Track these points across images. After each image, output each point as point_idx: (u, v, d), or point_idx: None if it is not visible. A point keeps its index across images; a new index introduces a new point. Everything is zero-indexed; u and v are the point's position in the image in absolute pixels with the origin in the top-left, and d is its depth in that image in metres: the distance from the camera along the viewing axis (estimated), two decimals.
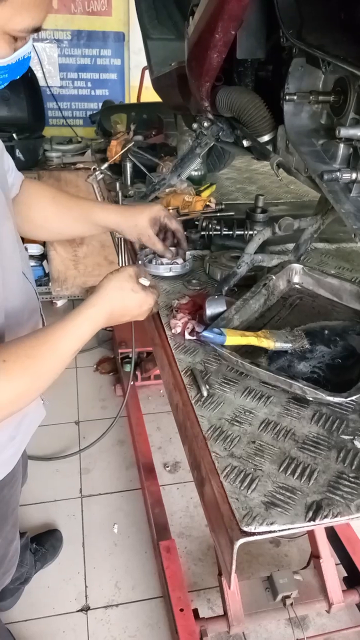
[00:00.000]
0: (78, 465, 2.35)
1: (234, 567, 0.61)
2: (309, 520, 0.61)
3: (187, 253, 1.28)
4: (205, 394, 0.82)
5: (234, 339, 0.85)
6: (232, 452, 0.71)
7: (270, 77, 1.19)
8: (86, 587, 1.84)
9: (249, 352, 0.91)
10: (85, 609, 1.77)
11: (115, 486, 2.25)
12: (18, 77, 0.79)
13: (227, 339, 0.84)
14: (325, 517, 0.61)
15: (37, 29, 0.73)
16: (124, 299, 0.83)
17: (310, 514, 0.62)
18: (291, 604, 1.59)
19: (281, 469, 0.68)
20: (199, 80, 1.08)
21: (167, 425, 2.59)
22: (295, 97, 0.97)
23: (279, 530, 0.60)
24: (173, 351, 0.95)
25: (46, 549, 1.87)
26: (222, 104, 1.13)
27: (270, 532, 0.60)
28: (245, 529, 0.59)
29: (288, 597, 1.58)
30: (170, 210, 1.50)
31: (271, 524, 0.60)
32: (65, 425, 2.59)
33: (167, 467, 2.34)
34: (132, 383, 2.49)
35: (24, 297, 0.95)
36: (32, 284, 1.02)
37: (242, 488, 0.65)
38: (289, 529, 0.60)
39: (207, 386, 0.84)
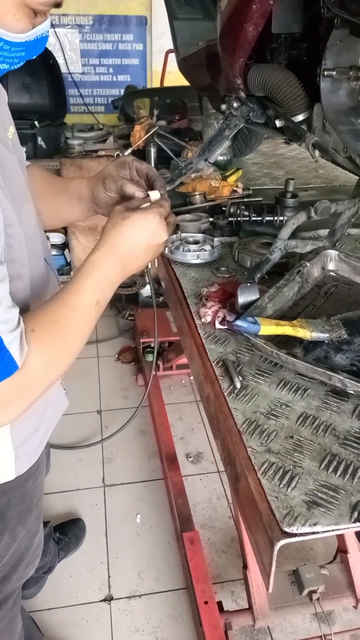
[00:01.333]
0: (100, 454, 2.34)
1: (273, 568, 0.58)
2: (355, 521, 0.57)
3: (215, 239, 1.24)
4: (238, 385, 0.79)
5: (268, 328, 0.81)
6: (269, 448, 0.67)
7: (304, 54, 1.14)
8: (109, 577, 1.83)
9: (283, 342, 0.86)
10: (109, 598, 1.76)
11: (138, 476, 2.24)
12: (34, 56, 0.76)
13: (262, 328, 0.80)
14: None
15: (58, 4, 0.70)
16: (121, 231, 0.77)
17: (356, 514, 0.58)
18: (317, 599, 1.56)
19: (322, 466, 0.64)
20: (233, 55, 1.03)
21: (189, 415, 2.57)
22: (334, 73, 0.91)
23: (323, 532, 0.57)
24: (203, 341, 0.91)
25: (69, 538, 1.87)
26: (254, 82, 1.08)
27: (313, 533, 0.56)
28: (286, 529, 0.56)
29: (314, 591, 1.54)
30: (197, 196, 1.46)
31: (314, 524, 0.57)
32: (88, 414, 2.59)
33: (190, 457, 2.32)
34: (154, 373, 2.47)
35: (46, 285, 0.93)
36: (54, 271, 1.00)
37: (281, 486, 0.61)
38: (333, 530, 0.57)
39: (240, 377, 0.80)
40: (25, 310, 0.81)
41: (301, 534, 0.56)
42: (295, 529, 0.56)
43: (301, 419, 0.72)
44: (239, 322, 0.81)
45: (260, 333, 0.81)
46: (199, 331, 0.94)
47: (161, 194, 0.88)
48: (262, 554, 0.60)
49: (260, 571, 0.61)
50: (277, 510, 0.58)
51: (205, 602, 1.57)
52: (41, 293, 0.90)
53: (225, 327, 0.94)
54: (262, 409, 0.74)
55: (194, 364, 0.94)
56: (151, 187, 0.92)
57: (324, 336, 0.85)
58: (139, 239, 0.78)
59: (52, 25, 3.60)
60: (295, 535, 0.56)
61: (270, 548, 0.57)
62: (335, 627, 1.69)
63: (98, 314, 0.77)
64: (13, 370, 0.66)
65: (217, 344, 0.90)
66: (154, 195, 0.86)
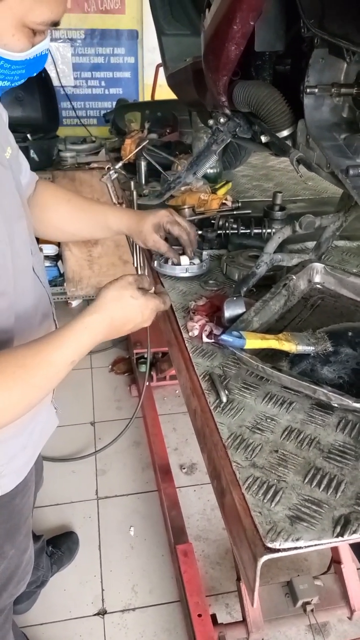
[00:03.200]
0: (94, 466, 2.34)
1: (257, 583, 0.58)
2: (337, 536, 0.58)
3: (204, 253, 1.25)
4: (224, 399, 0.79)
5: (254, 342, 0.82)
6: (254, 462, 0.67)
7: (289, 70, 1.16)
8: (103, 590, 1.82)
9: (269, 356, 0.87)
10: (102, 612, 1.75)
11: (132, 488, 2.23)
12: (35, 74, 0.78)
13: (247, 342, 0.81)
14: (354, 532, 0.58)
15: (56, 23, 0.73)
16: (124, 307, 0.79)
17: (338, 529, 0.58)
18: (312, 610, 1.56)
19: (306, 480, 0.65)
20: (216, 74, 1.05)
21: (183, 426, 2.56)
22: (316, 90, 0.93)
23: (305, 547, 0.57)
24: (190, 354, 0.92)
25: (62, 552, 1.86)
26: (239, 98, 1.09)
27: (295, 548, 0.57)
28: (269, 545, 0.56)
29: (309, 603, 1.54)
30: (186, 209, 1.47)
31: (297, 539, 0.57)
32: (81, 426, 2.58)
33: (184, 468, 2.32)
34: (147, 383, 2.47)
35: (35, 299, 0.93)
36: (45, 287, 1.00)
37: (265, 501, 0.62)
38: (315, 545, 0.57)
39: (227, 391, 0.81)
40: (7, 326, 0.82)
41: (284, 550, 0.57)
42: (278, 544, 0.57)
43: (286, 433, 0.73)
44: (224, 337, 0.82)
45: (246, 347, 0.82)
46: (187, 345, 0.95)
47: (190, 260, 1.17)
48: (247, 569, 0.61)
49: (246, 586, 0.61)
50: (261, 526, 0.59)
51: (199, 615, 1.56)
52: (30, 310, 0.91)
53: (212, 340, 0.95)
54: (248, 422, 0.75)
55: (181, 377, 0.95)
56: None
57: (309, 349, 0.86)
58: (133, 319, 0.81)
59: None
60: (278, 550, 0.57)
61: (253, 563, 0.57)
62: (330, 639, 1.68)
63: (68, 372, 0.75)
64: None
65: (204, 358, 0.91)
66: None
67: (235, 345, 0.81)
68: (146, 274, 1.55)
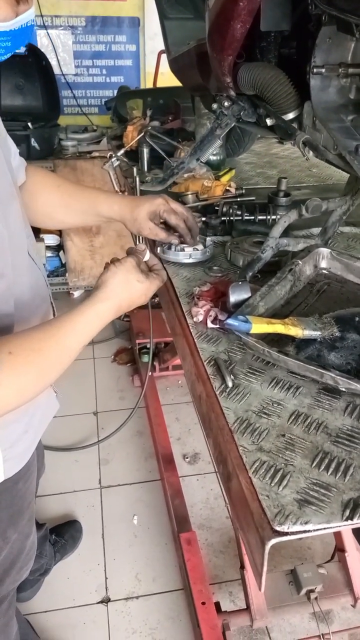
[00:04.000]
0: (97, 456, 2.34)
1: (264, 568, 0.57)
2: (346, 519, 0.57)
3: (208, 239, 1.24)
4: (230, 384, 0.78)
5: (260, 326, 0.81)
6: (261, 446, 0.66)
7: (294, 52, 1.13)
8: (106, 578, 1.83)
9: (275, 341, 0.86)
10: (106, 600, 1.76)
11: (135, 477, 2.23)
12: (21, 47, 0.76)
13: (253, 326, 0.80)
14: None
15: None
16: (131, 292, 0.83)
17: (348, 512, 0.57)
18: (315, 598, 1.56)
19: (314, 464, 0.64)
20: (221, 54, 1.03)
21: (186, 416, 2.56)
22: (323, 70, 0.91)
23: (314, 530, 0.56)
24: (195, 340, 0.91)
25: (65, 540, 1.86)
26: (244, 81, 1.07)
27: (304, 531, 0.56)
28: (277, 528, 0.56)
29: (312, 591, 1.54)
30: (190, 196, 1.46)
31: (305, 523, 0.56)
32: (84, 415, 2.58)
33: (187, 458, 2.32)
34: (150, 374, 2.46)
35: (32, 282, 0.92)
36: (40, 269, 0.99)
37: (272, 484, 0.61)
38: (324, 528, 0.56)
39: (232, 376, 0.80)
40: (7, 310, 0.81)
41: (292, 533, 0.56)
42: (287, 527, 0.56)
43: (293, 417, 0.72)
44: (230, 321, 0.80)
45: (252, 331, 0.81)
46: (191, 330, 0.93)
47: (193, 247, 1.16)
48: (254, 553, 0.60)
49: (253, 571, 0.60)
50: (269, 509, 0.58)
51: (203, 603, 1.56)
52: (27, 292, 0.90)
53: (217, 326, 0.93)
54: (254, 407, 0.74)
55: (186, 364, 0.94)
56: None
57: (316, 334, 0.85)
58: (137, 301, 0.86)
59: (45, 27, 3.60)
60: (286, 534, 0.56)
61: (261, 547, 0.56)
62: (333, 627, 1.69)
63: (78, 354, 0.78)
64: None
65: (209, 343, 0.90)
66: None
67: (241, 330, 0.80)
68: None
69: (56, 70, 3.56)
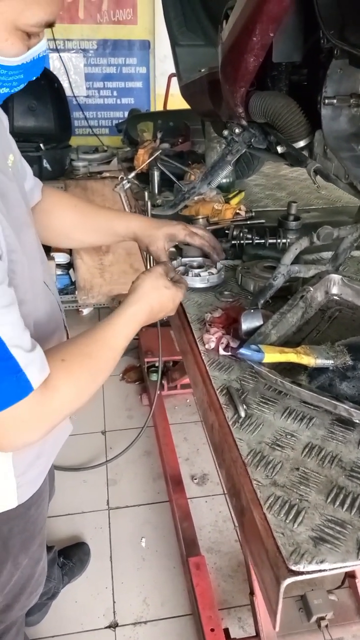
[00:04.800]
0: (105, 476, 2.32)
1: (279, 606, 0.56)
2: None
3: (219, 263, 1.24)
4: (242, 414, 0.78)
5: (272, 355, 0.81)
6: (275, 480, 0.66)
7: (305, 81, 1.15)
8: (114, 602, 1.80)
9: (287, 369, 0.86)
10: (114, 625, 1.73)
11: (143, 498, 2.21)
12: (34, 77, 0.77)
13: (266, 356, 0.80)
14: None
15: (50, 24, 0.70)
16: (160, 296, 0.90)
17: None
18: (326, 626, 1.53)
19: (329, 499, 0.63)
20: (234, 85, 1.05)
21: (195, 436, 2.55)
22: (334, 101, 0.93)
23: (330, 570, 0.55)
24: (207, 368, 0.91)
25: (74, 563, 1.84)
26: (256, 109, 1.09)
27: (319, 571, 0.55)
28: (293, 567, 0.55)
29: (323, 618, 1.51)
30: (200, 220, 1.47)
31: (321, 562, 0.56)
32: (92, 435, 2.57)
33: (195, 479, 2.30)
34: (158, 392, 2.46)
35: (47, 308, 0.94)
36: (54, 295, 1.00)
37: (287, 521, 0.60)
38: (340, 567, 0.56)
39: (245, 406, 0.79)
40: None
41: (308, 572, 0.55)
42: (302, 567, 0.55)
43: (307, 450, 0.71)
44: (242, 351, 0.81)
45: (264, 361, 0.81)
46: (203, 358, 0.94)
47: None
48: (269, 590, 0.59)
49: (267, 609, 0.60)
50: (284, 547, 0.57)
51: (212, 630, 1.54)
52: (43, 318, 0.91)
53: (229, 353, 0.94)
54: (267, 439, 0.74)
55: (197, 391, 0.94)
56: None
57: (328, 363, 0.84)
58: (166, 307, 0.92)
59: (57, 50, 3.68)
60: (301, 573, 0.55)
61: (276, 586, 0.56)
62: None
63: (119, 358, 0.84)
64: (28, 391, 0.67)
65: (221, 371, 0.90)
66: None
67: (254, 359, 0.80)
68: None
69: (68, 92, 3.62)
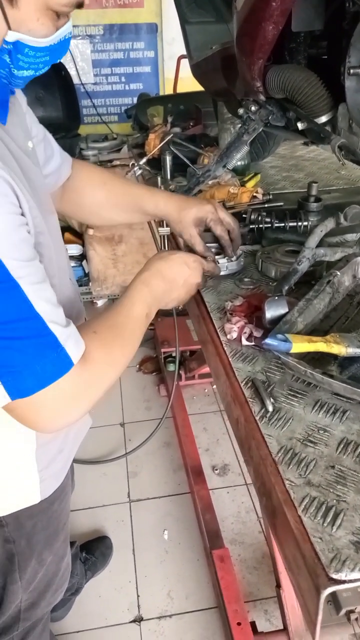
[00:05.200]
0: (125, 468, 2.30)
1: (319, 618, 0.52)
2: None
3: (238, 249, 1.19)
4: (270, 408, 0.73)
5: (301, 345, 0.76)
6: (309, 480, 0.61)
7: (324, 54, 1.08)
8: (138, 596, 1.78)
9: (316, 359, 0.81)
10: (138, 619, 1.72)
11: (164, 490, 2.19)
12: (58, 60, 0.74)
13: (294, 345, 0.75)
14: None
15: (80, 4, 0.68)
16: (168, 261, 0.90)
17: None
18: (356, 619, 1.48)
19: None
20: (251, 57, 0.99)
21: (214, 426, 2.51)
22: (359, 71, 0.86)
23: None
24: (230, 359, 0.86)
25: (96, 557, 1.83)
26: (274, 84, 1.03)
27: None
28: (334, 576, 0.51)
29: (352, 611, 1.46)
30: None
31: None
32: (111, 427, 2.55)
33: (216, 469, 2.26)
34: (176, 383, 2.42)
35: (72, 296, 0.92)
36: (74, 284, 0.98)
37: (325, 524, 0.56)
38: None
39: (272, 400, 0.75)
40: None
41: (350, 581, 0.51)
42: (344, 575, 0.51)
43: (342, 446, 0.67)
44: (268, 341, 0.76)
45: (292, 351, 0.76)
46: (225, 349, 0.89)
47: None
48: (306, 599, 0.55)
49: (305, 619, 0.56)
50: (322, 553, 0.53)
51: (238, 624, 1.51)
52: (67, 306, 0.88)
53: (253, 343, 0.89)
54: (298, 434, 0.69)
55: (220, 384, 0.89)
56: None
57: None
58: (179, 269, 0.91)
59: None
60: (344, 582, 0.51)
61: (316, 595, 0.51)
62: None
63: (146, 326, 0.84)
64: (70, 366, 0.67)
65: (244, 362, 0.85)
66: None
67: (281, 350, 0.75)
68: None
69: (75, 80, 3.57)
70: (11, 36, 0.65)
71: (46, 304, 0.65)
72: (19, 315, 0.63)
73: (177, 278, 0.90)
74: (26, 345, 0.63)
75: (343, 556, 0.52)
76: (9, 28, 0.64)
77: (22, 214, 0.67)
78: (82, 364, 0.69)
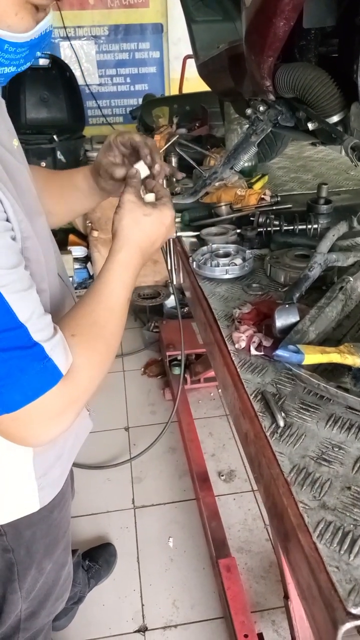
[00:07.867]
0: (129, 473, 2.27)
1: None
2: None
3: (247, 252, 1.16)
4: (281, 423, 0.70)
5: (313, 357, 0.73)
6: (324, 502, 0.58)
7: (335, 52, 1.05)
8: (143, 605, 1.75)
9: (329, 371, 0.77)
10: (143, 629, 1.68)
11: (169, 496, 2.15)
12: (38, 53, 0.71)
13: (306, 357, 0.72)
14: None
15: None
16: (144, 229, 0.79)
17: None
18: None
19: None
20: (261, 55, 0.95)
21: (220, 430, 2.47)
22: None
23: None
24: (238, 370, 0.83)
25: (100, 565, 1.80)
26: (283, 82, 0.99)
27: None
28: (353, 611, 0.47)
29: None
30: (223, 207, 1.38)
31: None
32: (115, 431, 2.52)
33: (222, 475, 2.23)
34: (181, 386, 2.39)
35: (62, 299, 0.88)
36: (68, 286, 0.94)
37: (342, 552, 0.52)
38: None
39: (283, 414, 0.71)
40: None
41: None
42: None
43: (358, 465, 0.63)
44: (280, 352, 0.72)
45: (305, 363, 0.72)
46: (233, 359, 0.85)
47: (147, 164, 0.87)
48: (321, 631, 0.51)
49: None
50: (340, 584, 0.49)
51: (245, 636, 1.48)
52: (59, 308, 0.85)
53: (262, 353, 0.85)
54: (312, 452, 0.65)
55: (228, 395, 0.86)
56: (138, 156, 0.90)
57: None
58: (157, 234, 0.81)
59: (68, 38, 3.59)
60: None
61: (332, 630, 0.48)
62: None
63: (127, 310, 0.78)
64: (57, 378, 0.63)
65: (253, 374, 0.82)
66: (143, 170, 0.86)
67: (293, 361, 0.72)
68: (180, 275, 1.47)
69: (80, 81, 3.54)
70: None
71: (31, 313, 0.62)
72: (1, 325, 0.59)
73: (155, 243, 0.82)
74: (10, 357, 0.59)
75: None
76: None
77: (7, 220, 0.64)
78: (67, 373, 0.65)
